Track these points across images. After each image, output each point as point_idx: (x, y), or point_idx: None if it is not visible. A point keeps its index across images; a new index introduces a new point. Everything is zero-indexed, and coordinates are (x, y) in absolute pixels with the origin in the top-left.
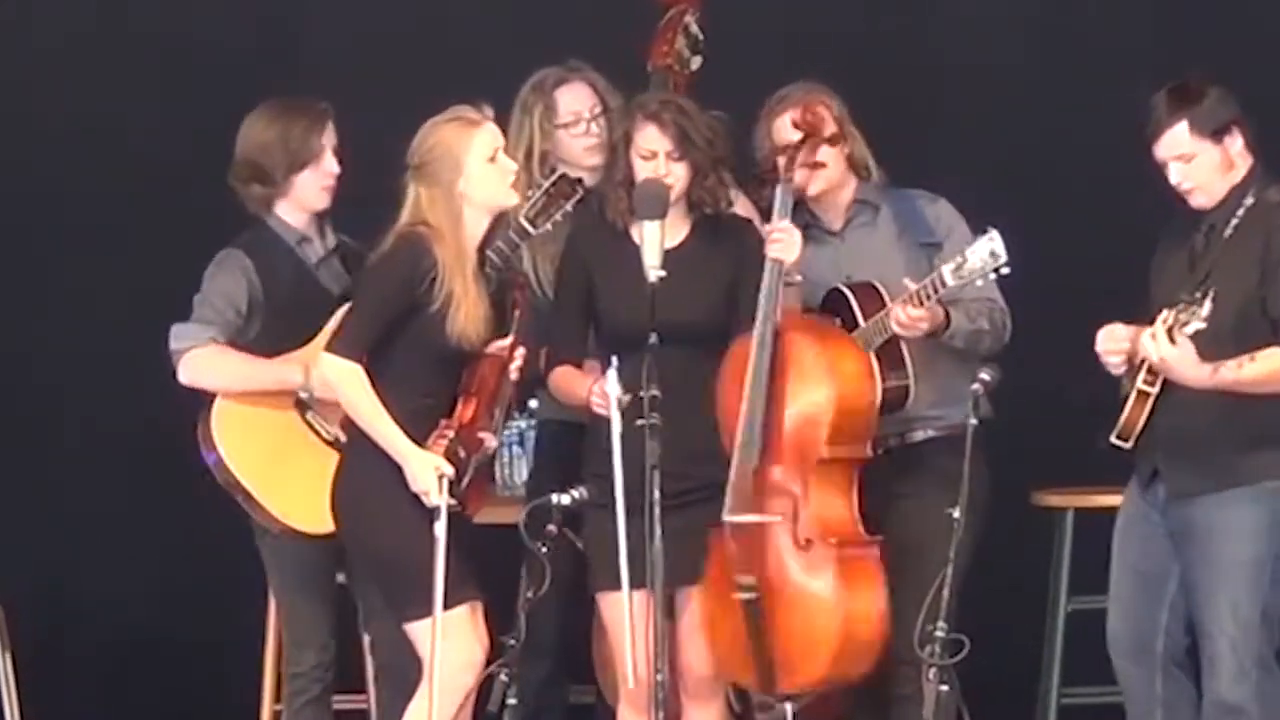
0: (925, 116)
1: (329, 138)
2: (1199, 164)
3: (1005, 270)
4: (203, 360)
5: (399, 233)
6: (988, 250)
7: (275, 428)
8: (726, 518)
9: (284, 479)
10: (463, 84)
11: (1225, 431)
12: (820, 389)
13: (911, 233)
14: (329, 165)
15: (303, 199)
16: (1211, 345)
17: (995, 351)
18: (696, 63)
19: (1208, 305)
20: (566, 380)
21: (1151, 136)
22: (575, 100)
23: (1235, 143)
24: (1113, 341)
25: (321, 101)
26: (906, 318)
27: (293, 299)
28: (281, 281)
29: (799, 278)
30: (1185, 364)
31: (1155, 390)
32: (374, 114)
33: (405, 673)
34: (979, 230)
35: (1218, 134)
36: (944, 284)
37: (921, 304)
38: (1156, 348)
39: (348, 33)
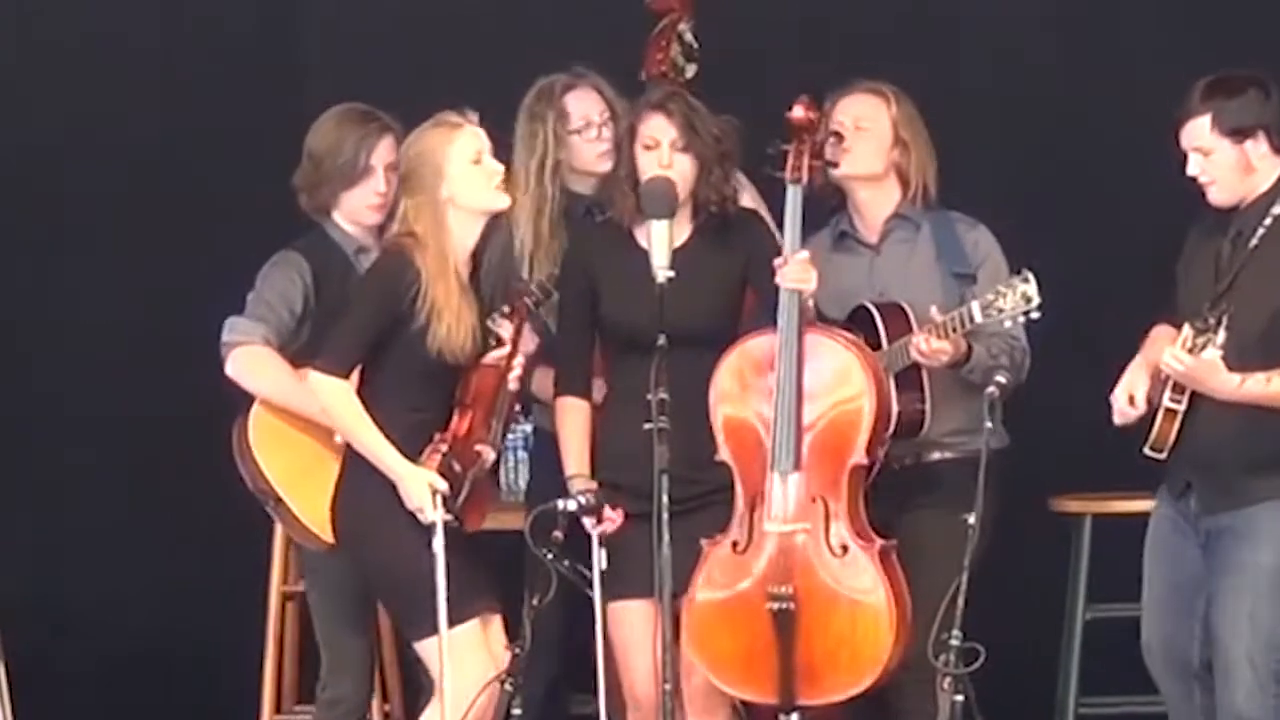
0: (947, 124)
1: (381, 155)
2: (1215, 160)
3: (1036, 315)
4: (253, 358)
5: (384, 246)
6: (1021, 294)
7: (312, 438)
8: (767, 528)
9: (319, 490)
10: (460, 90)
11: (1250, 453)
12: (853, 393)
13: (946, 259)
14: (377, 184)
15: (352, 213)
16: (1238, 359)
17: (1009, 387)
18: (692, 70)
19: (1222, 334)
20: (566, 427)
21: (1178, 123)
22: (585, 105)
23: (1259, 147)
24: (1126, 389)
25: (385, 115)
26: (928, 348)
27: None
28: (335, 290)
29: (811, 305)
30: (1211, 374)
31: (1182, 408)
32: (374, 105)
33: None
34: (1017, 261)
35: (1239, 135)
36: (971, 320)
37: (945, 336)
38: (1179, 362)
39: (348, 34)
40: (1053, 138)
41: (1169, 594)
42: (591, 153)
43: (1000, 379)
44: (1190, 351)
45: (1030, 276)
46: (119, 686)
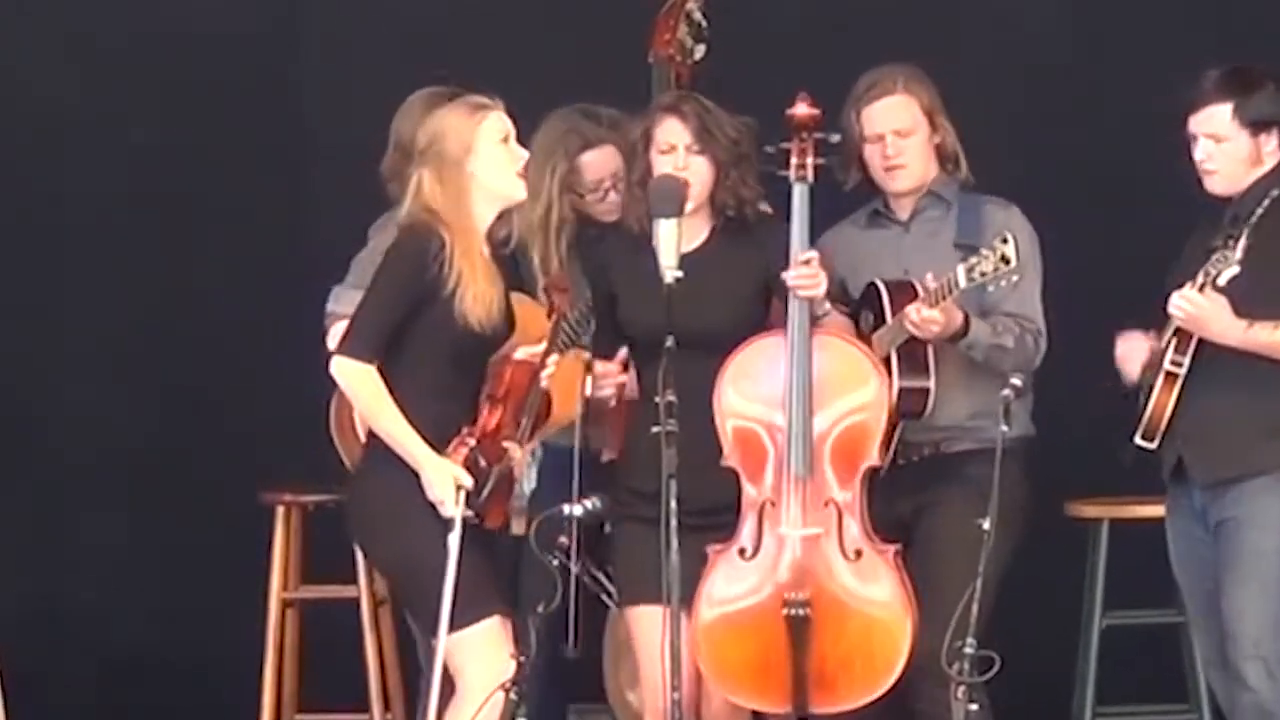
0: (964, 122)
1: None
2: (1227, 150)
3: (1015, 278)
4: None
5: (401, 225)
6: (1000, 255)
7: None
8: (782, 532)
9: None
10: (464, 78)
11: (1247, 418)
12: (866, 395)
13: (958, 231)
14: None
15: None
16: (1244, 315)
17: (1021, 371)
18: (700, 51)
19: (1241, 246)
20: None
21: (1190, 107)
22: (601, 168)
23: (1270, 142)
24: (1131, 347)
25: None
26: (918, 317)
27: None
28: None
29: (827, 306)
30: (1218, 316)
31: (1183, 371)
32: (375, 108)
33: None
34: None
35: (1257, 127)
36: (957, 285)
37: (935, 304)
38: (1187, 302)
39: (348, 36)
40: (1082, 132)
41: (1203, 604)
42: (598, 209)
43: (1016, 382)
44: (1203, 287)
45: (1010, 238)
46: (116, 694)
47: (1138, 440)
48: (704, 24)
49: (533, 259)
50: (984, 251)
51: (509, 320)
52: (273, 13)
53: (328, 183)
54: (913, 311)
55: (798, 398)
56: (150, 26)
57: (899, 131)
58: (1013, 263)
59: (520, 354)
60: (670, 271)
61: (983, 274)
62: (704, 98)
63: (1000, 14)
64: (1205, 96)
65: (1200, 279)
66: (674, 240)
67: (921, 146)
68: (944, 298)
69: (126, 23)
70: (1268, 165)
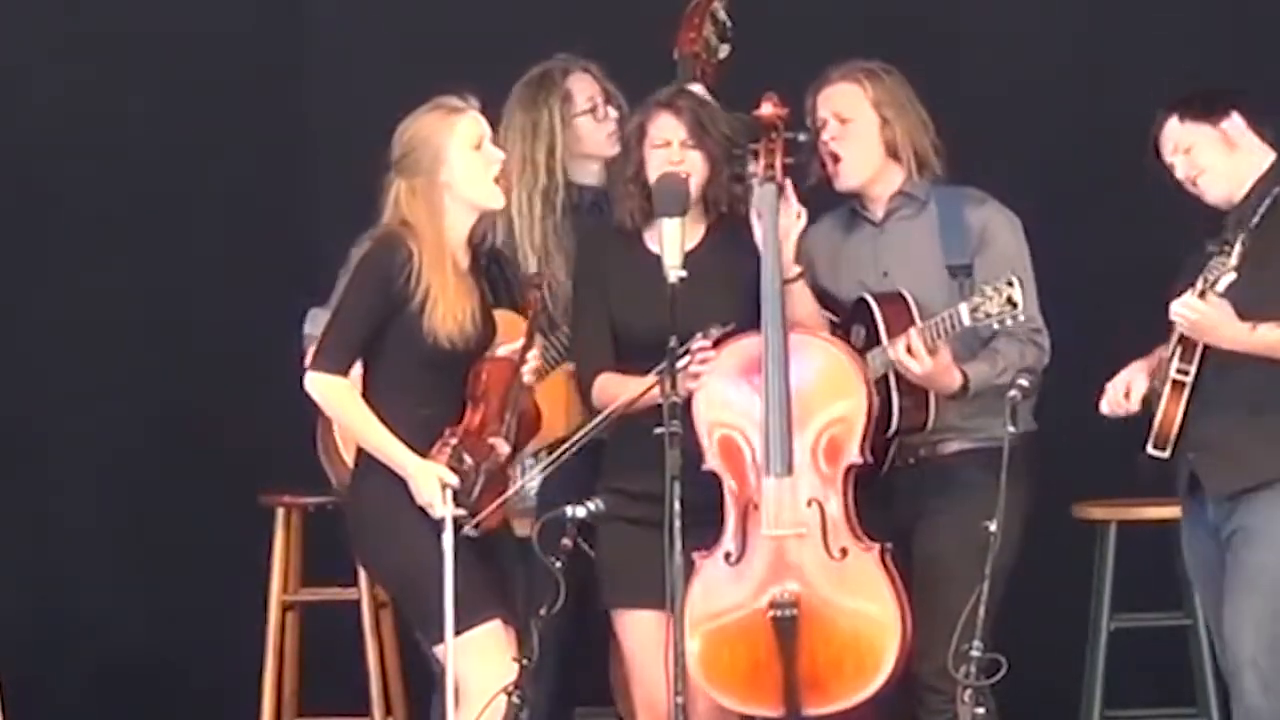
0: (961, 110)
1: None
2: (1199, 149)
3: (1022, 318)
4: None
5: (373, 235)
6: (1005, 298)
7: None
8: (764, 533)
9: None
10: (471, 76)
11: (1256, 429)
12: (844, 394)
13: (944, 247)
14: None
15: None
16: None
17: (1032, 373)
18: (724, 51)
19: (1237, 252)
20: (614, 385)
21: (1154, 148)
22: (587, 86)
23: (1234, 124)
24: (1124, 380)
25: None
26: (905, 353)
27: None
28: None
29: (798, 269)
30: (1222, 321)
31: (1190, 379)
32: (376, 108)
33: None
34: (1041, 256)
35: (1210, 115)
36: (960, 323)
37: (935, 340)
38: (1188, 309)
39: (348, 33)
40: (1083, 131)
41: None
42: (601, 134)
43: (1023, 382)
44: (1202, 295)
45: (1016, 281)
46: (116, 698)
47: (1150, 450)
48: (729, 24)
49: (521, 227)
50: (988, 291)
51: (488, 327)
52: (273, 12)
53: (328, 183)
54: (901, 348)
55: (774, 397)
56: (150, 26)
57: (837, 114)
58: (1019, 307)
59: (500, 351)
60: (674, 271)
61: (987, 314)
62: (700, 94)
63: (1000, 12)
64: (1157, 125)
65: (1199, 285)
66: (678, 240)
67: (863, 137)
68: (942, 335)
69: (126, 22)
70: (1247, 150)
